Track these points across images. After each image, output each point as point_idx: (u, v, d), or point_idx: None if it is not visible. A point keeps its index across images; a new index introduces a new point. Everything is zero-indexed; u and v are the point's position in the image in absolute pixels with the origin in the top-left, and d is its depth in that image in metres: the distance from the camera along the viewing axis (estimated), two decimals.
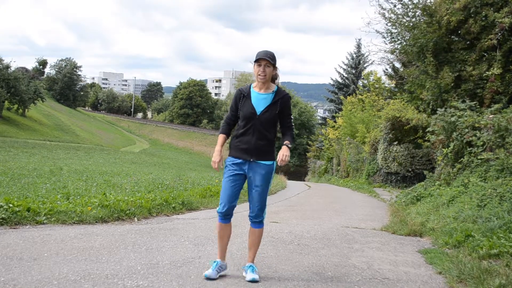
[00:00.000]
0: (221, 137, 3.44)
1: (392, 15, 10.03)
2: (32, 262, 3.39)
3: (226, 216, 3.34)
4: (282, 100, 3.34)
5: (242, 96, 3.38)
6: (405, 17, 9.95)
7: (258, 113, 3.29)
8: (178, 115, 78.58)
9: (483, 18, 8.87)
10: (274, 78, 3.40)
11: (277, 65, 3.38)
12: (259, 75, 3.29)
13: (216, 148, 3.35)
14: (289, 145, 3.26)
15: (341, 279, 3.47)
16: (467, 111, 8.04)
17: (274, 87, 3.38)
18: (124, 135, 67.85)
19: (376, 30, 10.56)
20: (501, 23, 8.41)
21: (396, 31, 10.27)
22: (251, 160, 3.29)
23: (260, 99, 3.33)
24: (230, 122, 3.45)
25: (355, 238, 5.18)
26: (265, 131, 3.29)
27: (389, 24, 10.22)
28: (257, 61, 3.28)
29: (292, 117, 3.42)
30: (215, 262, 3.34)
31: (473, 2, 8.90)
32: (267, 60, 3.26)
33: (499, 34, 8.58)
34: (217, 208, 3.39)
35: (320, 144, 36.03)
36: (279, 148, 3.28)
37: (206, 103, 78.56)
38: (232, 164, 3.34)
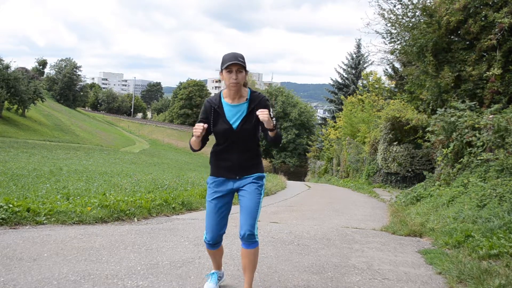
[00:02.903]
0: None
1: (391, 15, 10.04)
2: (32, 262, 3.39)
3: (214, 245, 2.98)
4: (258, 105, 2.87)
5: (213, 109, 2.90)
6: (404, 17, 9.96)
7: (235, 128, 2.86)
8: (178, 115, 78.62)
9: (483, 18, 8.88)
10: (244, 84, 2.93)
11: (247, 70, 2.91)
12: (231, 83, 2.80)
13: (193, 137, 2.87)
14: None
15: (341, 279, 3.47)
16: (467, 111, 8.04)
17: (247, 93, 2.92)
18: (124, 135, 67.85)
19: (375, 31, 10.57)
20: (500, 23, 8.42)
21: (395, 31, 10.28)
22: (237, 178, 2.91)
23: (234, 112, 2.88)
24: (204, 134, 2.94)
25: (355, 238, 5.18)
26: (245, 144, 2.91)
27: (388, 24, 10.23)
28: (227, 67, 2.77)
29: (273, 117, 2.88)
30: (212, 274, 3.14)
31: (472, 2, 8.91)
32: (239, 64, 2.77)
33: (499, 34, 8.58)
34: (204, 236, 3.01)
35: (320, 144, 36.06)
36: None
37: None
38: (215, 185, 2.94)
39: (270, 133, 2.81)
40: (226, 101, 2.92)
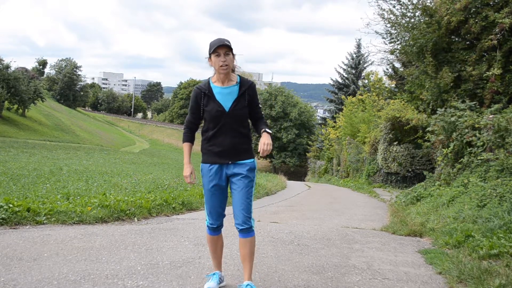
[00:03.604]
0: (186, 146, 3.06)
1: (391, 15, 10.04)
2: (32, 262, 3.39)
3: (216, 228, 3.06)
4: (249, 90, 2.96)
5: (203, 95, 2.95)
6: (404, 17, 9.96)
7: (227, 110, 2.90)
8: (178, 115, 78.65)
9: (484, 19, 8.87)
10: (233, 69, 2.99)
11: (235, 53, 2.95)
12: (220, 66, 2.84)
13: (185, 161, 3.03)
14: (269, 131, 2.91)
15: (341, 279, 3.47)
16: (467, 111, 8.04)
17: (236, 78, 2.98)
18: (124, 135, 67.86)
19: (375, 31, 10.58)
20: (501, 24, 8.41)
21: (395, 32, 10.28)
22: (230, 162, 2.93)
23: (225, 94, 2.92)
24: (193, 127, 3.06)
25: (355, 238, 5.18)
26: (238, 127, 2.92)
27: (388, 25, 10.23)
28: (215, 51, 2.84)
29: (260, 106, 3.06)
30: (214, 274, 3.12)
31: (473, 2, 8.90)
32: (226, 46, 2.83)
33: (499, 34, 8.58)
34: (206, 221, 3.09)
35: (320, 144, 36.04)
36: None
37: None
38: (209, 172, 2.97)
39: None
40: (216, 85, 2.96)
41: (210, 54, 2.87)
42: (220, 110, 2.89)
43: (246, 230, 2.92)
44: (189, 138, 3.07)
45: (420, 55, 9.84)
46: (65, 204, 5.68)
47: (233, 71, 2.98)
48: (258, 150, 2.81)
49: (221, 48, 2.83)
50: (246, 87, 2.96)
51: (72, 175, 13.41)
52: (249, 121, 3.06)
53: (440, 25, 9.42)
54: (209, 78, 3.02)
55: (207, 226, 3.07)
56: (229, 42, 2.85)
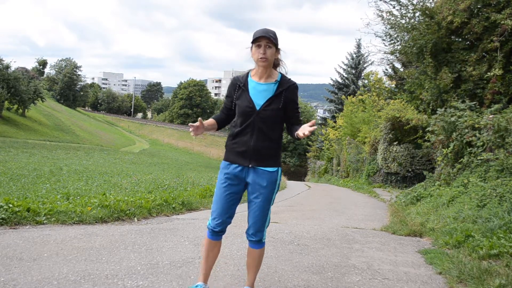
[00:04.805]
0: (210, 119, 2.83)
1: (390, 17, 10.04)
2: (32, 262, 3.39)
3: (218, 232, 2.75)
4: (287, 91, 2.68)
5: (238, 86, 2.73)
6: (404, 18, 9.96)
7: (257, 108, 2.64)
8: (178, 115, 78.68)
9: (485, 19, 8.87)
10: (276, 64, 2.74)
11: (280, 47, 2.70)
12: (259, 58, 2.60)
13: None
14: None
15: (341, 279, 3.46)
16: (467, 111, 8.04)
17: (277, 75, 2.72)
18: (124, 135, 67.85)
19: (374, 34, 10.61)
20: (504, 25, 8.40)
21: (395, 33, 10.29)
22: (250, 166, 2.67)
23: (259, 91, 2.67)
24: (225, 112, 2.82)
25: (355, 238, 5.18)
26: (267, 129, 2.65)
27: (388, 26, 10.25)
28: (255, 40, 2.60)
29: (300, 109, 2.77)
30: (196, 286, 2.78)
31: (476, 3, 8.90)
32: (268, 38, 2.58)
33: (502, 36, 8.57)
34: (208, 222, 2.79)
35: (320, 144, 36.05)
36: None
37: (206, 103, 78.75)
38: (227, 170, 2.72)
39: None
40: (253, 78, 2.73)
41: (252, 44, 2.64)
42: (250, 107, 2.65)
43: (257, 242, 2.77)
44: (217, 116, 2.84)
45: (420, 56, 9.85)
46: (65, 204, 5.67)
47: (275, 67, 2.75)
48: (297, 133, 2.51)
49: (263, 39, 2.59)
50: (285, 88, 2.68)
51: (72, 175, 13.42)
52: (284, 125, 2.78)
53: (440, 26, 9.42)
54: (249, 70, 2.78)
55: (208, 228, 2.77)
56: (274, 35, 2.62)
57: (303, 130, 2.47)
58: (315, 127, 2.47)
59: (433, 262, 4.03)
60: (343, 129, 25.23)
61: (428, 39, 9.46)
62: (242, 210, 5.77)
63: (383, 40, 10.64)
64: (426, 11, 9.57)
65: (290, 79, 2.74)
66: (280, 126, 2.72)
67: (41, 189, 8.60)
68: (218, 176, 2.78)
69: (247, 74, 2.76)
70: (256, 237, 2.76)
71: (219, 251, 2.86)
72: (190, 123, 2.66)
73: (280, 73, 2.75)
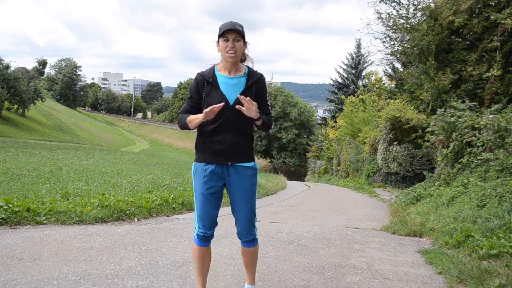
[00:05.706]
0: (187, 116, 2.63)
1: (390, 18, 10.03)
2: (32, 262, 3.39)
3: (208, 238, 2.69)
4: (257, 83, 2.63)
5: (206, 82, 2.59)
6: (403, 18, 9.94)
7: (231, 103, 2.55)
8: (178, 115, 78.64)
9: (486, 19, 8.87)
10: (242, 59, 2.66)
11: (247, 40, 2.60)
12: (227, 52, 2.50)
13: (198, 116, 2.55)
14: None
15: (341, 279, 3.46)
16: (467, 111, 8.04)
17: (244, 68, 2.65)
18: (124, 135, 67.84)
19: (374, 36, 10.63)
20: (504, 25, 8.40)
21: (394, 34, 10.28)
22: (229, 164, 2.59)
23: (230, 85, 2.57)
24: (195, 113, 2.62)
25: (355, 238, 5.18)
26: (241, 124, 2.57)
27: (387, 27, 10.24)
28: (223, 34, 2.50)
29: (270, 103, 2.74)
30: None
31: (476, 3, 8.90)
32: (236, 31, 2.49)
33: (502, 36, 8.57)
34: (195, 230, 2.72)
35: (320, 144, 36.04)
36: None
37: None
38: (205, 172, 2.61)
39: (256, 122, 2.60)
40: (221, 73, 2.62)
41: (218, 38, 2.55)
42: (223, 103, 2.52)
43: (250, 241, 2.71)
44: (188, 116, 2.64)
45: (421, 57, 9.83)
46: (65, 204, 5.67)
47: (242, 61, 2.66)
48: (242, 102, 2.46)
49: (231, 33, 2.50)
50: (254, 80, 2.62)
51: (72, 175, 13.42)
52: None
53: (442, 27, 9.40)
54: (214, 65, 2.67)
55: (197, 235, 2.69)
56: (241, 27, 2.52)
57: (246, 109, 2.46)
58: (253, 102, 2.46)
59: (433, 262, 4.03)
60: (343, 129, 25.22)
61: (431, 40, 9.45)
62: None
63: (383, 41, 10.64)
64: (427, 11, 9.56)
65: (257, 71, 2.69)
66: (251, 120, 2.61)
67: (41, 189, 8.60)
68: (195, 181, 2.70)
69: (213, 69, 2.65)
70: (250, 236, 2.70)
71: (211, 254, 2.82)
72: (215, 105, 2.47)
73: (247, 66, 2.69)
